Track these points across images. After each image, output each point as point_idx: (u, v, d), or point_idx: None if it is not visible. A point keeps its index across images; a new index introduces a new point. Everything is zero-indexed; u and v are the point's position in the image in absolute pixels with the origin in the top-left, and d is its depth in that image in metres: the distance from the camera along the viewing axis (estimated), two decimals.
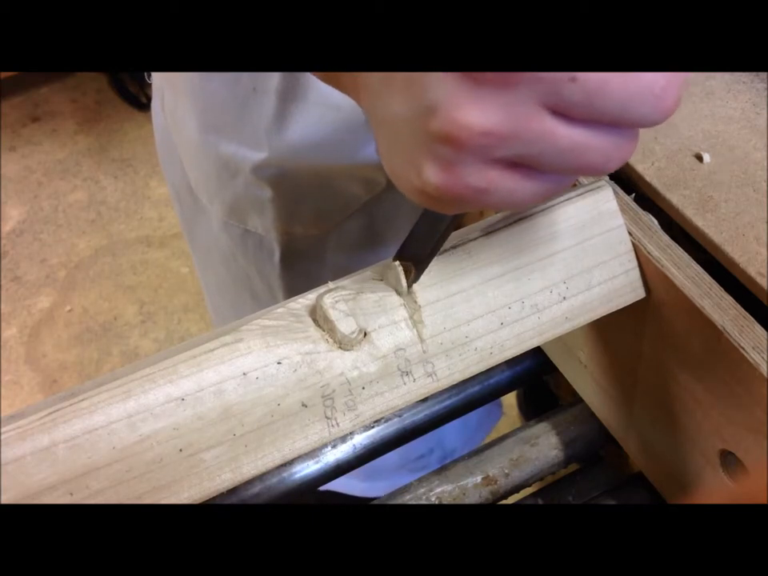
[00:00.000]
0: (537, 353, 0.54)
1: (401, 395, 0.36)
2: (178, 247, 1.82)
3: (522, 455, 0.50)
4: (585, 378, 0.49)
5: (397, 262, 0.36)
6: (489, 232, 0.38)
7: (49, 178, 2.01)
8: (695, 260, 0.38)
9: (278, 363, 0.34)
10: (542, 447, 0.51)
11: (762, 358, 0.34)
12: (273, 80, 0.58)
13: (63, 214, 1.93)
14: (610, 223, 0.39)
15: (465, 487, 0.49)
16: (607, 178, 0.42)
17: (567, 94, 0.25)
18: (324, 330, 0.35)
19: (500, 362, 0.38)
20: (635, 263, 0.40)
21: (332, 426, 0.34)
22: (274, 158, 0.61)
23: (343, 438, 0.50)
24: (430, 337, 0.36)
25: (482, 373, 0.38)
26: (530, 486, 0.51)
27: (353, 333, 0.34)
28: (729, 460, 0.38)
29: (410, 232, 0.36)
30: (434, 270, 0.36)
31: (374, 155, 0.61)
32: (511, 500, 0.51)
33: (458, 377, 0.37)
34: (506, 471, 0.50)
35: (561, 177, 0.29)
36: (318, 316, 0.35)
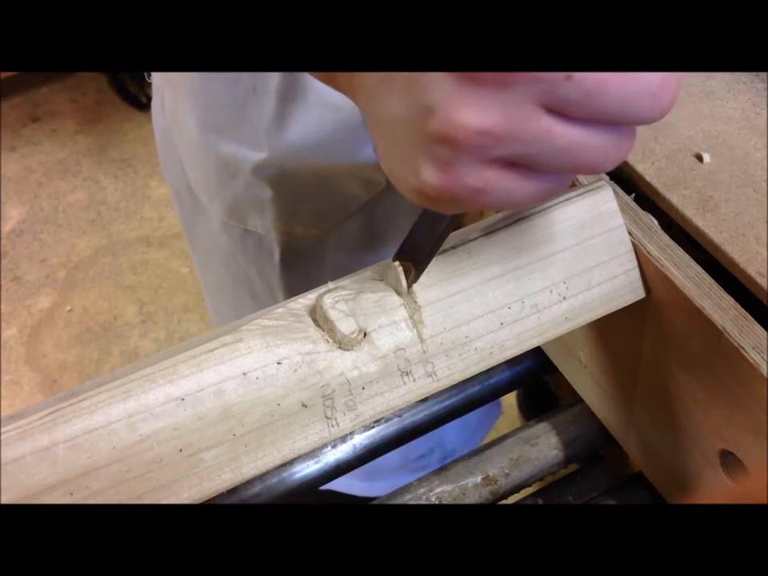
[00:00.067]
0: (537, 353, 0.54)
1: (401, 395, 0.36)
2: (178, 247, 1.82)
3: (521, 455, 0.50)
4: (585, 378, 0.49)
5: (396, 262, 0.36)
6: (489, 232, 0.38)
7: (49, 178, 2.01)
8: (695, 260, 0.38)
9: (278, 363, 0.34)
10: (542, 447, 0.51)
11: (762, 358, 0.34)
12: (273, 80, 0.58)
13: (63, 214, 1.93)
14: (610, 223, 0.39)
15: (465, 487, 0.49)
16: (607, 177, 0.42)
17: (564, 93, 0.25)
18: (324, 330, 0.35)
19: (500, 362, 0.38)
20: (635, 263, 0.40)
21: (332, 426, 0.34)
22: (274, 158, 0.61)
23: (343, 438, 0.50)
24: (430, 337, 0.36)
25: (482, 373, 0.38)
26: (529, 485, 0.51)
27: (353, 333, 0.34)
28: (729, 460, 0.38)
29: (409, 232, 0.36)
30: (434, 270, 0.36)
31: (373, 155, 0.61)
32: (511, 500, 0.51)
33: (458, 377, 0.37)
34: (506, 471, 0.50)
35: (559, 176, 0.29)
36: (318, 316, 0.35)
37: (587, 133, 0.27)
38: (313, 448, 0.34)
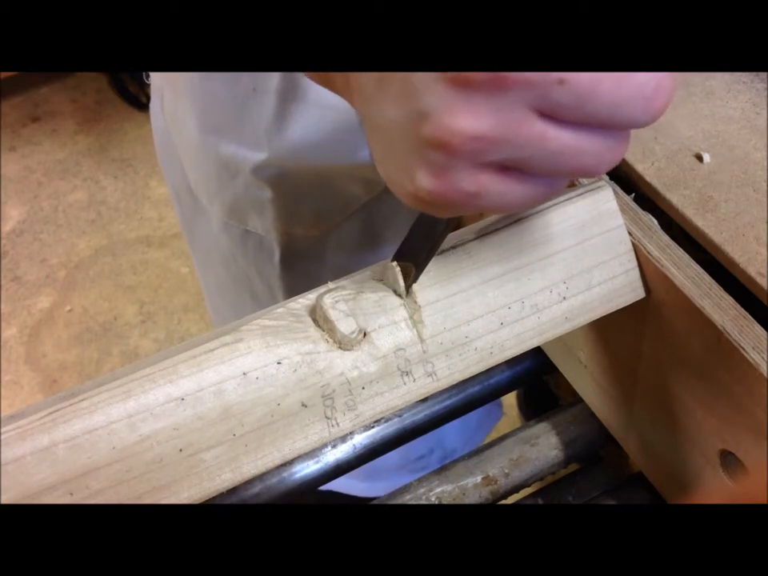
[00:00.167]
0: (537, 353, 0.54)
1: (401, 395, 0.36)
2: (178, 247, 1.82)
3: (522, 455, 0.50)
4: (585, 378, 0.49)
5: (395, 263, 0.36)
6: (489, 232, 0.38)
7: (49, 178, 2.01)
8: (695, 260, 0.38)
9: (278, 363, 0.34)
10: (542, 447, 0.51)
11: (762, 358, 0.34)
12: (273, 80, 0.58)
13: (63, 214, 1.93)
14: (610, 223, 0.39)
15: (465, 487, 0.49)
16: (607, 177, 0.42)
17: (557, 97, 0.25)
18: (324, 330, 0.35)
19: (500, 362, 0.38)
20: (635, 263, 0.40)
21: (332, 425, 0.34)
22: (273, 158, 0.61)
23: (343, 438, 0.50)
24: (430, 337, 0.36)
25: (482, 373, 0.38)
26: (529, 486, 0.51)
27: (353, 333, 0.34)
28: (729, 460, 0.38)
29: (407, 234, 0.36)
30: (434, 270, 0.36)
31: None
32: (511, 500, 0.51)
33: (458, 377, 0.37)
34: (506, 471, 0.50)
35: (553, 180, 0.29)
36: (318, 316, 0.35)
37: (580, 136, 0.27)
38: (313, 448, 0.34)
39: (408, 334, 0.36)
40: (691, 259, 0.38)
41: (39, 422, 0.31)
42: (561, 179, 0.29)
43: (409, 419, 0.52)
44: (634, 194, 0.43)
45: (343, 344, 0.34)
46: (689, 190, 0.44)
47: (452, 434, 0.90)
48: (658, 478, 0.47)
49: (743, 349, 0.35)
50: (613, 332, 0.45)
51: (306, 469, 0.50)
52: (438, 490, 0.49)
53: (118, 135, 2.11)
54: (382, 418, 0.50)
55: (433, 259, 0.36)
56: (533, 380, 0.56)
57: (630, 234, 0.40)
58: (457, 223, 0.36)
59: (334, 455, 0.50)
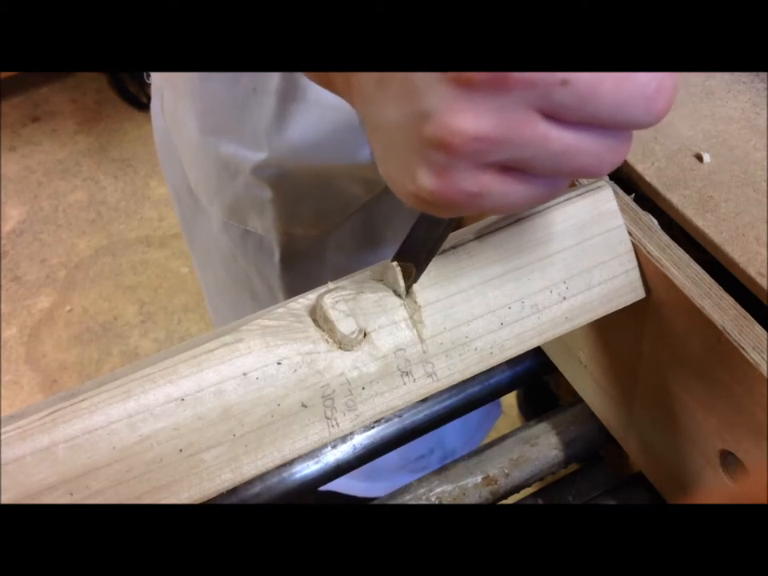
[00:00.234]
0: (537, 353, 0.54)
1: (401, 395, 0.36)
2: (178, 247, 1.82)
3: (522, 455, 0.50)
4: (585, 378, 0.49)
5: (395, 263, 0.36)
6: (489, 232, 0.38)
7: (49, 178, 2.01)
8: (695, 260, 0.38)
9: (278, 363, 0.34)
10: (542, 447, 0.51)
11: (762, 358, 0.34)
12: (273, 80, 0.58)
13: (63, 214, 1.93)
14: (610, 223, 0.39)
15: (465, 487, 0.49)
16: (607, 177, 0.42)
17: (559, 98, 0.25)
18: (324, 330, 0.35)
19: (500, 362, 0.38)
20: (635, 263, 0.40)
21: (332, 426, 0.34)
22: (273, 158, 0.61)
23: (343, 438, 0.50)
24: (430, 337, 0.36)
25: (482, 373, 0.38)
26: (529, 486, 0.51)
27: (353, 333, 0.34)
28: (729, 460, 0.38)
29: (407, 234, 0.36)
30: (434, 270, 0.36)
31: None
32: (511, 500, 0.51)
33: (458, 377, 0.37)
34: (506, 471, 0.50)
35: (554, 180, 0.29)
36: (317, 316, 0.35)
37: (582, 137, 0.27)
38: (313, 448, 0.34)
39: (408, 334, 0.36)
40: (691, 259, 0.38)
41: (39, 422, 0.31)
42: (562, 180, 0.29)
43: (409, 419, 0.52)
44: (633, 194, 0.43)
45: (343, 344, 0.34)
46: (689, 190, 0.44)
47: (452, 434, 0.90)
48: (658, 478, 0.47)
49: (743, 349, 0.35)
50: (613, 332, 0.45)
51: (306, 469, 0.50)
52: (438, 490, 0.49)
53: (118, 135, 2.11)
54: (381, 418, 0.50)
55: (433, 259, 0.36)
56: (533, 380, 0.56)
57: (630, 234, 0.40)
58: (457, 223, 0.36)
59: (333, 455, 0.50)
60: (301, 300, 0.36)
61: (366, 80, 0.28)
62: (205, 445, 0.33)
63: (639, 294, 0.40)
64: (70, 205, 1.95)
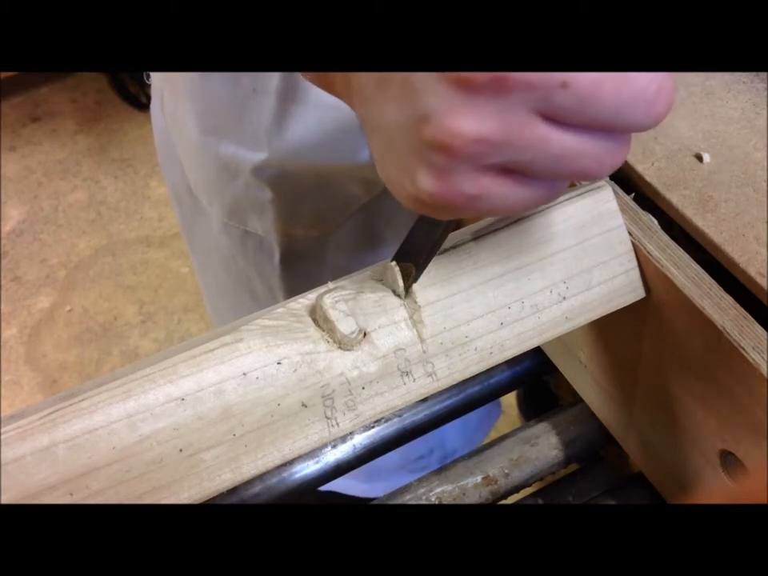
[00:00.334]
0: (537, 353, 0.54)
1: (401, 395, 0.36)
2: (178, 247, 1.82)
3: (522, 455, 0.50)
4: (585, 378, 0.49)
5: (395, 263, 0.36)
6: (488, 232, 0.38)
7: (49, 178, 2.01)
8: (695, 260, 0.38)
9: (278, 363, 0.34)
10: (542, 447, 0.51)
11: (762, 357, 0.34)
12: (273, 81, 0.58)
13: (63, 214, 1.93)
14: (610, 223, 0.39)
15: (465, 487, 0.49)
16: (607, 177, 0.42)
17: (559, 100, 0.25)
18: (324, 330, 0.35)
19: (500, 362, 0.38)
20: (635, 263, 0.40)
21: (332, 425, 0.34)
22: (273, 158, 0.61)
23: (343, 438, 0.50)
24: (430, 337, 0.36)
25: (482, 373, 0.38)
26: (529, 485, 0.51)
27: (353, 333, 0.34)
28: (729, 460, 0.38)
29: (407, 235, 0.36)
30: (434, 270, 0.36)
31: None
32: (511, 500, 0.51)
33: (458, 377, 0.37)
34: (506, 471, 0.50)
35: (554, 182, 0.29)
36: (318, 316, 0.35)
37: (582, 139, 0.27)
38: (313, 448, 0.34)
39: (408, 334, 0.36)
40: (691, 259, 0.38)
41: (39, 422, 0.31)
42: (562, 182, 0.29)
43: (409, 419, 0.52)
44: (633, 194, 0.43)
45: (343, 344, 0.34)
46: (689, 190, 0.44)
47: (452, 434, 0.90)
48: (658, 478, 0.47)
49: (743, 349, 0.35)
50: (613, 332, 0.45)
51: (306, 469, 0.50)
52: (438, 490, 0.49)
53: (118, 135, 2.11)
54: (381, 418, 0.50)
55: (433, 259, 0.36)
56: (533, 380, 0.56)
57: (630, 233, 0.40)
58: (457, 223, 0.36)
59: (333, 455, 0.50)
60: (301, 300, 0.36)
61: (365, 81, 0.28)
62: (205, 445, 0.33)
63: (639, 294, 0.40)
64: (70, 205, 1.95)
